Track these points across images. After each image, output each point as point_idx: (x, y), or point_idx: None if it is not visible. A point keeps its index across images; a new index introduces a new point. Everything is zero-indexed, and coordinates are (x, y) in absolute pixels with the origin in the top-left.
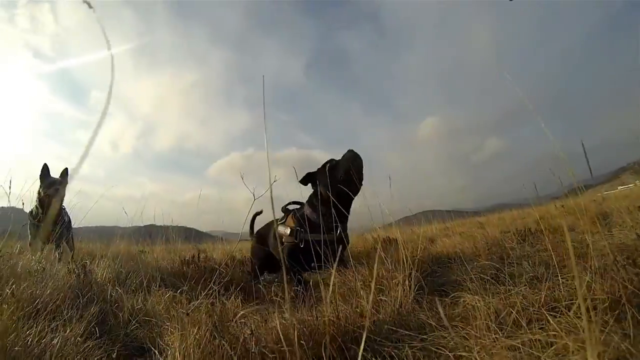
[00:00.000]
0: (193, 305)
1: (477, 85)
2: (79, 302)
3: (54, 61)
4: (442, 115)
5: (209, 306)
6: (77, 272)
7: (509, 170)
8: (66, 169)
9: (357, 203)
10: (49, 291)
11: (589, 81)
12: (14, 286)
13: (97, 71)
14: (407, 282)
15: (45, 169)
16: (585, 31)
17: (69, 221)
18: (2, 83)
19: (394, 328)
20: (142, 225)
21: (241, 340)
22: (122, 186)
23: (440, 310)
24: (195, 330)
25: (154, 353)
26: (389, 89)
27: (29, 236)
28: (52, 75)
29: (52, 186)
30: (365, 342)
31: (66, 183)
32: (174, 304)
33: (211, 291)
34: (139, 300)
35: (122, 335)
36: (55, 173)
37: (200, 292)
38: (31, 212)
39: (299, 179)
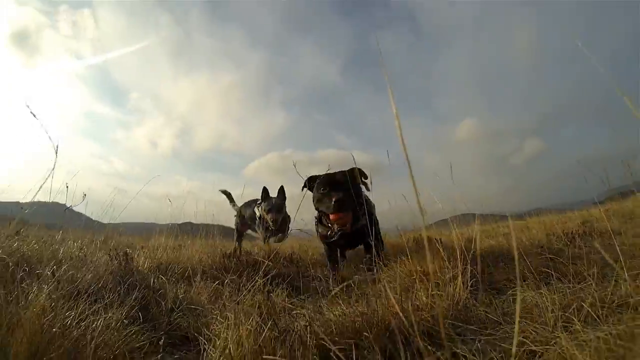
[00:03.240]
0: (241, 296)
1: (517, 86)
2: (120, 288)
3: (94, 63)
4: (480, 116)
5: (259, 298)
6: (118, 259)
7: (548, 173)
8: (282, 187)
9: (392, 203)
10: (90, 275)
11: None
12: (54, 267)
13: (136, 73)
14: (461, 277)
15: (265, 191)
16: (635, 31)
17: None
18: (46, 85)
19: (455, 322)
20: (179, 222)
21: (297, 330)
22: (160, 184)
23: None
24: (249, 320)
25: (201, 342)
26: (427, 90)
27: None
28: (93, 77)
29: (270, 212)
30: (429, 335)
31: (284, 199)
32: (216, 295)
33: (256, 284)
34: (182, 290)
35: (165, 324)
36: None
37: (246, 284)
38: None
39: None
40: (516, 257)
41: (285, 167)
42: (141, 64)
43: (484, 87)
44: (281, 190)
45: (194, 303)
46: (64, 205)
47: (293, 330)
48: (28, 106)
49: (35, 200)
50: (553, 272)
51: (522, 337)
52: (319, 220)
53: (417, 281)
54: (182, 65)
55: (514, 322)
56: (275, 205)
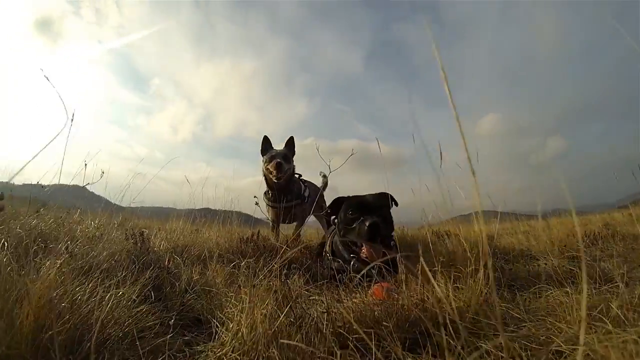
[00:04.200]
0: (257, 280)
1: (541, 82)
2: (135, 267)
3: (117, 46)
4: (503, 111)
5: (276, 282)
6: (134, 238)
7: (570, 173)
8: (292, 137)
9: (411, 198)
10: (105, 253)
11: None
12: (68, 242)
13: (158, 60)
14: (482, 271)
15: (266, 141)
16: None
17: (311, 196)
18: (70, 73)
19: (476, 317)
20: (197, 208)
21: (313, 317)
22: (180, 170)
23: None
24: (264, 304)
25: (214, 325)
26: (449, 83)
27: (270, 222)
28: (115, 64)
29: (274, 159)
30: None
31: (293, 154)
32: (232, 279)
33: (272, 269)
34: (197, 272)
35: (178, 304)
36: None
37: (262, 269)
38: (265, 192)
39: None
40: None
41: (306, 155)
42: (163, 50)
43: (507, 82)
44: (290, 142)
45: (208, 285)
46: (85, 188)
47: (310, 317)
48: (42, 69)
49: (57, 182)
50: (576, 271)
51: (548, 336)
52: (333, 253)
53: (437, 273)
54: (204, 52)
55: (538, 320)
56: (279, 153)
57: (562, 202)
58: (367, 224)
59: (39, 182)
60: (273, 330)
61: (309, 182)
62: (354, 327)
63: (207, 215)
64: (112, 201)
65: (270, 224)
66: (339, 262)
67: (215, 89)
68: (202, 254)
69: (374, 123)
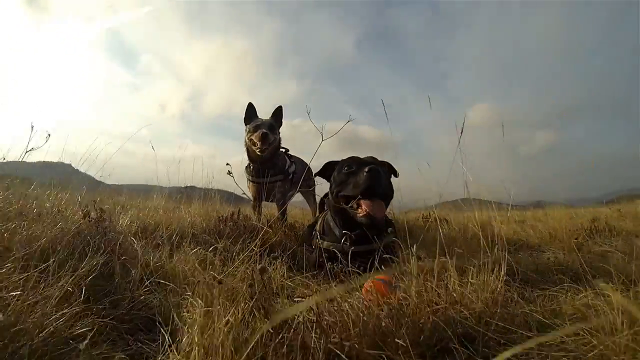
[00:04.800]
0: (227, 270)
1: (533, 75)
2: (87, 250)
3: (108, 26)
4: (493, 103)
5: (254, 273)
6: (89, 215)
7: (556, 167)
8: (280, 107)
9: (401, 182)
10: (53, 234)
11: None
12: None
13: (148, 36)
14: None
15: (250, 109)
16: None
17: (298, 174)
18: (60, 52)
19: (492, 320)
20: (182, 186)
21: (298, 328)
22: (166, 148)
23: None
24: (231, 310)
25: (164, 334)
26: (441, 71)
27: (251, 199)
28: (104, 40)
29: (259, 129)
30: (469, 338)
31: (280, 125)
32: (204, 265)
33: (251, 254)
34: (162, 256)
35: (127, 300)
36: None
37: (239, 254)
38: (247, 166)
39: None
40: None
41: (295, 136)
42: (153, 27)
43: (499, 73)
44: (278, 112)
45: (170, 275)
46: (70, 165)
47: (293, 328)
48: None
49: (43, 160)
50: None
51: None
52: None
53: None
54: (195, 29)
55: (567, 324)
56: (265, 123)
57: (546, 195)
58: (365, 170)
59: (23, 159)
60: (241, 354)
61: (297, 157)
62: (356, 346)
63: (192, 193)
64: (97, 178)
65: (252, 201)
66: (329, 242)
67: (206, 67)
68: (174, 235)
69: (365, 107)
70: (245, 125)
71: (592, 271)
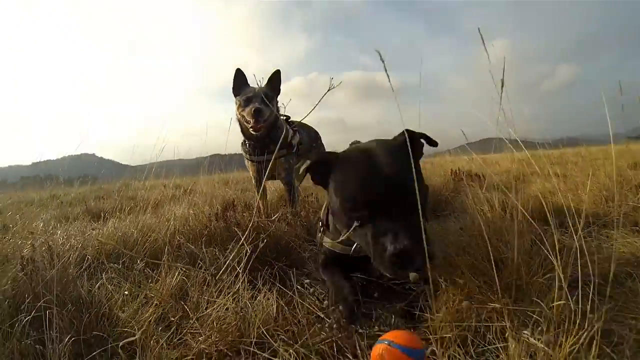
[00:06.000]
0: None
1: (552, 5)
2: None
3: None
4: (510, 38)
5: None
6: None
7: (580, 101)
8: (278, 71)
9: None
10: None
11: None
12: None
13: (153, 11)
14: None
15: (239, 76)
16: None
17: (305, 144)
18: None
19: None
20: (206, 155)
21: None
22: (183, 120)
23: None
24: None
25: None
26: (453, 9)
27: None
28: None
29: (250, 104)
30: None
31: (277, 93)
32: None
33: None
34: (128, 287)
35: None
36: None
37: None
38: (243, 143)
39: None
40: None
41: (311, 91)
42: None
43: (514, 5)
44: (275, 77)
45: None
46: (93, 154)
47: None
48: None
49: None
50: None
51: None
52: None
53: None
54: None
55: None
56: (257, 94)
57: (571, 131)
58: (390, 250)
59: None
60: None
61: (302, 123)
62: None
63: (218, 162)
64: (121, 162)
65: (253, 181)
66: (333, 242)
67: (211, 35)
68: (154, 247)
69: (377, 54)
70: (235, 97)
71: None
